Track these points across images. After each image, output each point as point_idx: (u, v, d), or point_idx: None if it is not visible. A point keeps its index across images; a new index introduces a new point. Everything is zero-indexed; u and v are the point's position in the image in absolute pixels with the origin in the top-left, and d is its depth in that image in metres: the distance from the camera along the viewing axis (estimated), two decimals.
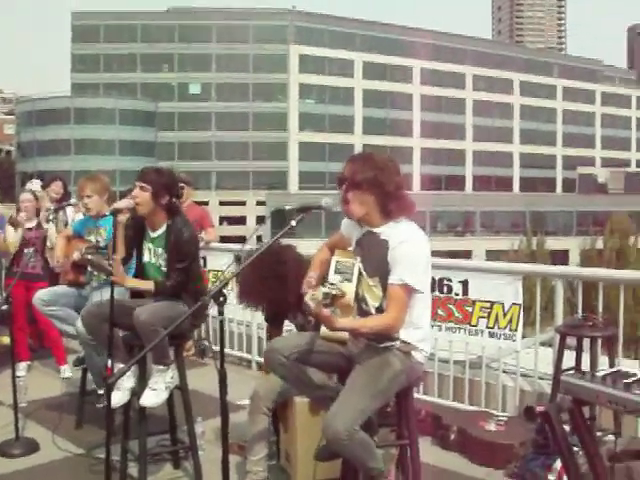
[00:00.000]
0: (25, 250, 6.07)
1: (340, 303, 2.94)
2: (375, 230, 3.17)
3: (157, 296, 4.21)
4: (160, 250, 4.29)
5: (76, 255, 5.15)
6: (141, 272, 4.43)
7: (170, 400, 4.36)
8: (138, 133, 68.03)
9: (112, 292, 3.97)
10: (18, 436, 4.76)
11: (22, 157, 69.59)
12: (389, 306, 3.05)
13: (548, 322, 5.21)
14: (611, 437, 4.31)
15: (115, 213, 4.11)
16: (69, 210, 7.20)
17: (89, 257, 4.95)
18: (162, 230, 4.29)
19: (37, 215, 6.57)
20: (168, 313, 3.97)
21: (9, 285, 6.21)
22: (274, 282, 4.07)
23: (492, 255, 44.71)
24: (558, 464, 4.14)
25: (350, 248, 3.32)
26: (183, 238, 4.21)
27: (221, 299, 2.84)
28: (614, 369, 2.77)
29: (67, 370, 6.63)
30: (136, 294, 4.44)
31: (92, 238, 5.18)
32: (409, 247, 3.07)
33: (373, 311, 3.17)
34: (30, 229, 6.48)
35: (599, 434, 4.44)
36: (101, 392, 5.08)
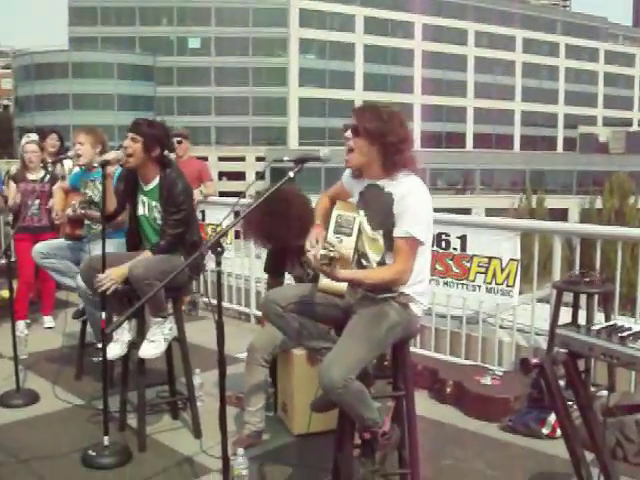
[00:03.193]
0: (29, 202, 6.05)
1: (339, 257, 2.94)
2: (379, 183, 3.15)
3: (158, 254, 4.21)
4: (154, 203, 4.28)
5: (69, 210, 5.14)
6: (136, 226, 4.43)
7: (168, 352, 4.40)
8: (137, 88, 67.44)
9: (104, 242, 3.96)
10: (19, 387, 4.82)
11: (20, 112, 69.06)
12: (396, 259, 3.04)
13: (546, 279, 5.23)
14: (605, 392, 4.37)
15: (104, 165, 4.07)
16: (66, 164, 7.18)
17: (82, 211, 4.96)
18: (155, 183, 4.27)
19: (43, 167, 6.54)
20: (163, 266, 3.96)
21: (16, 240, 6.25)
22: (279, 219, 4.04)
23: (491, 213, 44.58)
24: (552, 418, 4.20)
25: (351, 200, 3.30)
26: (177, 189, 4.20)
27: (218, 249, 2.84)
28: (609, 323, 2.79)
29: (50, 320, 6.70)
30: (133, 247, 4.43)
31: (88, 191, 5.15)
32: (415, 200, 3.06)
33: (374, 265, 3.17)
34: (35, 181, 6.46)
35: (593, 389, 4.50)
36: (100, 346, 5.11)
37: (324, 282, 3.08)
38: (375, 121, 3.06)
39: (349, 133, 3.11)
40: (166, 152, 4.32)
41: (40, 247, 5.23)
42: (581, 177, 60.40)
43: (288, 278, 4.52)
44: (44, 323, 6.75)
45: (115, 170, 4.44)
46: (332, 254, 2.80)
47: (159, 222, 4.28)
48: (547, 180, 58.92)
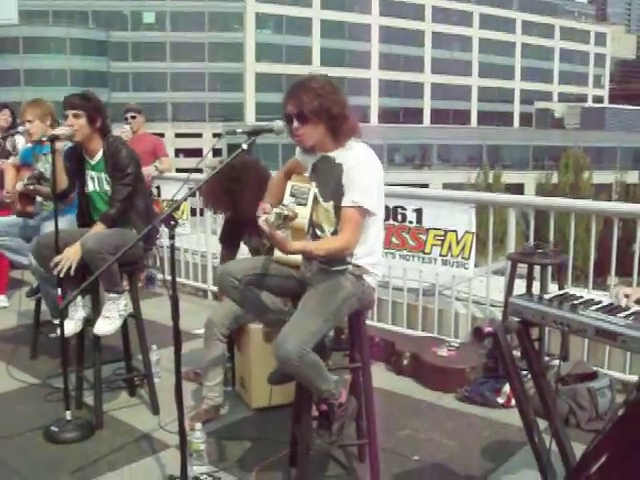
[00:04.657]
0: None
1: (293, 226, 2.93)
2: (330, 154, 3.15)
3: (110, 225, 4.16)
4: (103, 175, 4.22)
5: (19, 185, 5.05)
6: (86, 203, 4.35)
7: (124, 329, 4.36)
8: (90, 63, 66.20)
9: (56, 220, 3.91)
10: None
11: None
12: (343, 228, 3.05)
13: (501, 252, 5.29)
14: (558, 362, 4.45)
15: (52, 140, 3.97)
16: (18, 139, 7.03)
17: (30, 187, 4.87)
18: (100, 154, 4.22)
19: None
20: (116, 240, 3.91)
21: None
22: (238, 185, 4.05)
23: (449, 188, 44.85)
24: (507, 387, 4.27)
25: (306, 174, 3.29)
26: (121, 154, 4.16)
27: (172, 222, 2.82)
28: (561, 292, 2.83)
29: (3, 300, 6.59)
30: (85, 224, 4.36)
31: (39, 165, 5.05)
32: (363, 170, 3.05)
33: (328, 236, 3.17)
34: None
35: (547, 359, 4.58)
36: (55, 322, 5.05)
37: (279, 253, 3.07)
38: (315, 99, 3.03)
39: (296, 123, 3.09)
40: (106, 120, 4.26)
41: None
42: (537, 152, 61.11)
43: (244, 251, 4.50)
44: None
45: (64, 146, 4.37)
46: (285, 212, 2.77)
47: (110, 195, 4.22)
48: (504, 155, 59.54)
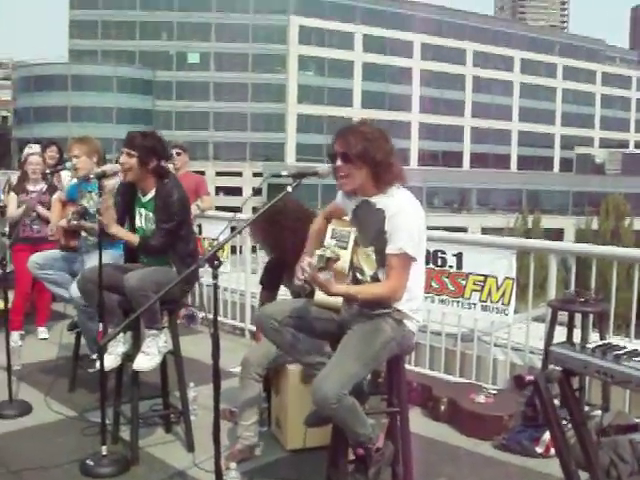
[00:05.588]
0: (28, 214, 6.04)
1: (335, 269, 2.95)
2: (371, 200, 3.17)
3: (141, 253, 4.21)
4: (151, 214, 4.28)
5: (63, 221, 5.14)
6: None
7: (163, 365, 4.38)
8: (136, 101, 67.70)
9: (100, 255, 3.98)
10: (12, 398, 4.79)
11: (18, 123, 69.15)
12: (389, 275, 3.06)
13: (541, 298, 5.23)
14: (599, 412, 4.37)
15: (100, 177, 4.03)
16: (64, 175, 7.18)
17: (74, 222, 4.95)
18: (152, 194, 4.27)
19: (43, 178, 6.53)
20: (158, 278, 3.97)
21: (15, 251, 6.27)
22: (285, 228, 4.09)
23: (488, 232, 44.43)
24: (546, 437, 4.19)
25: (346, 218, 3.32)
26: (171, 198, 4.20)
27: (215, 263, 2.85)
28: (604, 342, 2.79)
29: (44, 332, 6.68)
30: (130, 259, 4.43)
31: (84, 202, 5.14)
32: (406, 216, 3.07)
33: (369, 280, 3.18)
34: (35, 192, 6.43)
35: (587, 409, 4.49)
36: (94, 357, 5.10)
37: (320, 296, 3.09)
38: (361, 143, 3.08)
39: (339, 162, 3.13)
40: (163, 162, 4.32)
41: (36, 258, 5.23)
42: (577, 198, 60.61)
43: (284, 292, 4.52)
44: (39, 334, 6.73)
45: (115, 184, 4.44)
46: (328, 254, 2.79)
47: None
48: (543, 200, 59.15)
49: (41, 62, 68.26)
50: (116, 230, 4.16)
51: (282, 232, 4.06)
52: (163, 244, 4.21)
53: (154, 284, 3.88)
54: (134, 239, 4.23)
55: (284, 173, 3.08)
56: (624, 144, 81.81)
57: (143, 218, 4.33)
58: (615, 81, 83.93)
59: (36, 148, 7.22)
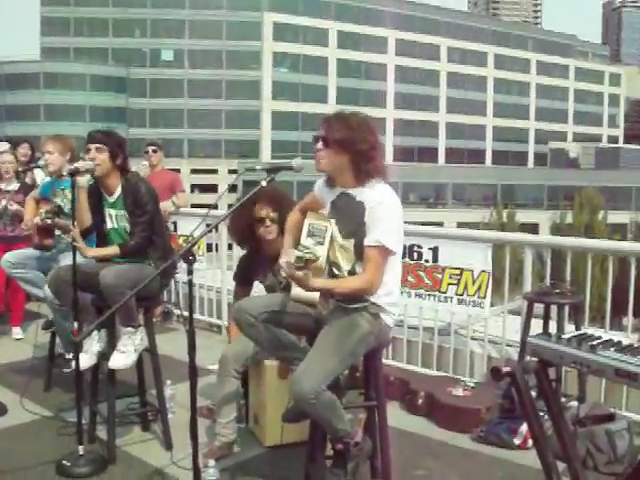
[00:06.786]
0: (2, 213, 5.96)
1: (313, 266, 2.94)
2: (350, 192, 3.16)
3: (125, 257, 4.18)
4: (122, 212, 4.26)
5: (37, 219, 5.08)
6: (104, 240, 4.38)
7: (139, 363, 4.35)
8: (109, 99, 67.17)
9: (74, 255, 3.95)
10: None
11: None
12: (366, 268, 3.06)
13: (517, 292, 5.26)
14: (575, 403, 4.40)
15: (73, 174, 4.00)
16: (37, 173, 7.11)
17: (48, 221, 4.90)
18: (118, 192, 4.26)
19: (17, 177, 6.45)
20: (134, 275, 3.94)
21: None
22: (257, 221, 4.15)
23: (463, 227, 44.98)
24: (523, 428, 4.22)
25: (323, 210, 3.30)
26: (140, 192, 4.20)
27: (190, 258, 2.84)
28: (580, 332, 2.81)
29: (18, 332, 6.62)
30: (102, 259, 4.39)
31: (57, 200, 5.09)
32: (386, 209, 3.07)
33: (345, 275, 3.17)
34: (9, 191, 6.36)
35: (564, 400, 4.53)
36: (69, 356, 5.05)
37: (296, 291, 3.08)
38: (344, 130, 3.08)
39: (320, 144, 3.12)
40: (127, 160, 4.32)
41: (9, 256, 5.17)
42: (551, 192, 61.03)
43: (259, 289, 4.51)
44: (13, 334, 6.66)
45: (88, 181, 4.40)
46: (307, 256, 2.80)
47: (128, 231, 4.26)
48: (518, 195, 59.53)
49: (13, 60, 67.44)
50: (93, 253, 4.21)
51: (255, 221, 4.08)
52: (144, 239, 4.20)
53: (129, 281, 3.86)
54: (114, 250, 4.21)
55: (258, 167, 3.07)
56: (597, 138, 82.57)
57: (114, 218, 4.30)
58: (588, 76, 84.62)
59: (5, 146, 7.13)
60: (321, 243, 3.12)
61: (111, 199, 4.29)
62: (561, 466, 2.92)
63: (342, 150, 3.08)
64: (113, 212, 4.29)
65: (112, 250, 4.22)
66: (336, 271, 3.20)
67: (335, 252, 3.19)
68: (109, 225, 4.33)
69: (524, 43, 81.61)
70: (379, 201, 3.07)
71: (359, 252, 3.10)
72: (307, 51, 70.12)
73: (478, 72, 77.40)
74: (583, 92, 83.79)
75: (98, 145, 4.14)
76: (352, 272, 3.15)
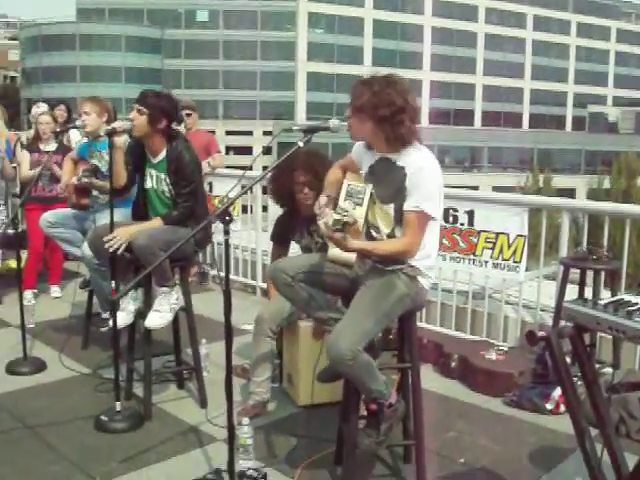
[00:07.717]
0: (41, 173, 6.03)
1: (351, 229, 2.94)
2: (390, 156, 3.12)
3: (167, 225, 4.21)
4: (163, 175, 4.27)
5: (74, 179, 5.13)
6: (144, 199, 4.42)
7: (175, 322, 4.41)
8: (144, 60, 67.13)
9: (112, 213, 3.98)
10: (26, 356, 4.85)
11: (27, 83, 68.78)
12: (406, 232, 3.04)
13: (553, 257, 5.23)
14: (609, 369, 4.38)
15: (110, 134, 4.03)
16: (73, 134, 7.17)
17: (85, 180, 4.95)
18: (163, 155, 4.26)
19: (55, 138, 6.51)
20: (168, 236, 3.96)
21: (27, 210, 6.31)
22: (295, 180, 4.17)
23: (499, 191, 44.25)
24: (556, 393, 4.21)
25: (361, 172, 3.28)
26: (184, 161, 4.19)
27: (227, 218, 2.85)
28: (616, 298, 2.78)
29: (57, 290, 6.74)
30: (138, 217, 4.43)
31: (94, 161, 5.13)
32: (427, 174, 3.03)
33: (384, 237, 3.16)
34: (48, 152, 6.42)
35: (598, 366, 4.50)
36: (106, 315, 5.14)
37: (333, 252, 3.09)
38: (365, 96, 3.01)
39: (347, 112, 3.10)
40: (174, 124, 4.30)
41: (47, 216, 5.23)
42: (589, 157, 60.11)
43: (295, 249, 4.52)
44: (51, 293, 6.78)
45: (125, 141, 4.43)
46: (345, 219, 2.80)
47: (167, 195, 4.28)
48: (555, 159, 58.68)
49: (49, 21, 67.66)
50: (137, 228, 4.13)
51: (294, 184, 4.08)
52: (187, 208, 4.21)
53: (163, 242, 3.89)
54: (157, 222, 4.21)
55: (295, 128, 3.05)
56: (638, 102, 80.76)
57: (154, 179, 4.32)
58: (630, 38, 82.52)
59: (44, 107, 7.19)
60: (359, 204, 3.10)
61: (154, 160, 4.30)
62: (594, 432, 2.92)
63: (365, 117, 3.03)
64: (154, 173, 4.31)
65: (156, 222, 4.22)
66: (375, 233, 3.19)
67: (374, 215, 3.17)
68: (148, 184, 4.35)
69: (564, 4, 79.67)
70: (420, 166, 3.03)
71: (399, 217, 3.08)
72: (343, 12, 69.20)
73: (516, 34, 75.91)
74: (624, 54, 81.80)
75: (139, 107, 4.14)
76: (391, 235, 3.14)
